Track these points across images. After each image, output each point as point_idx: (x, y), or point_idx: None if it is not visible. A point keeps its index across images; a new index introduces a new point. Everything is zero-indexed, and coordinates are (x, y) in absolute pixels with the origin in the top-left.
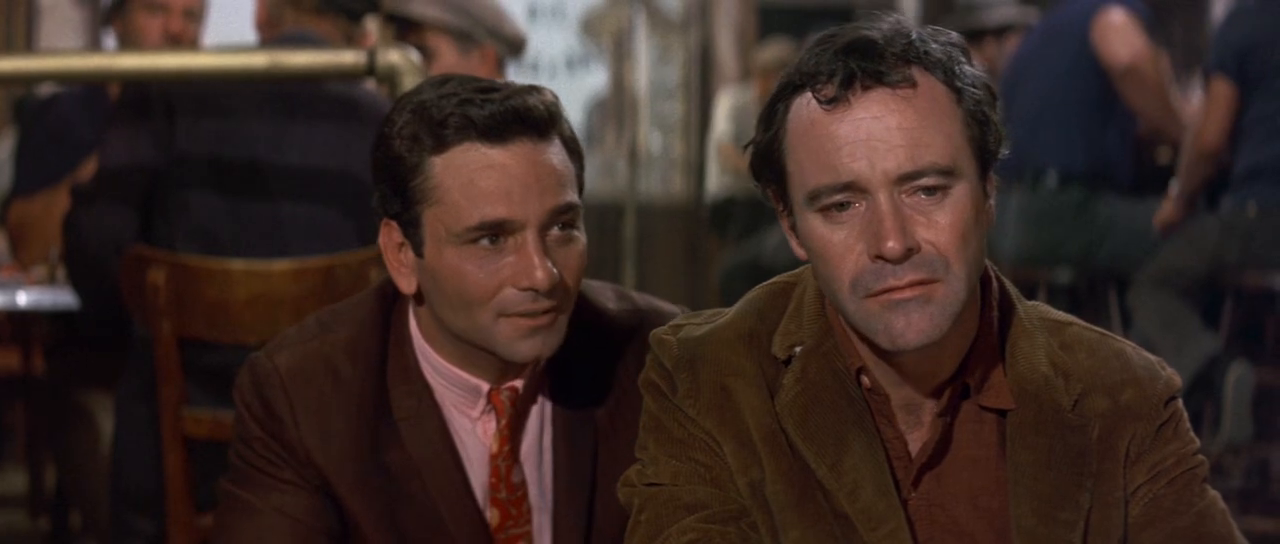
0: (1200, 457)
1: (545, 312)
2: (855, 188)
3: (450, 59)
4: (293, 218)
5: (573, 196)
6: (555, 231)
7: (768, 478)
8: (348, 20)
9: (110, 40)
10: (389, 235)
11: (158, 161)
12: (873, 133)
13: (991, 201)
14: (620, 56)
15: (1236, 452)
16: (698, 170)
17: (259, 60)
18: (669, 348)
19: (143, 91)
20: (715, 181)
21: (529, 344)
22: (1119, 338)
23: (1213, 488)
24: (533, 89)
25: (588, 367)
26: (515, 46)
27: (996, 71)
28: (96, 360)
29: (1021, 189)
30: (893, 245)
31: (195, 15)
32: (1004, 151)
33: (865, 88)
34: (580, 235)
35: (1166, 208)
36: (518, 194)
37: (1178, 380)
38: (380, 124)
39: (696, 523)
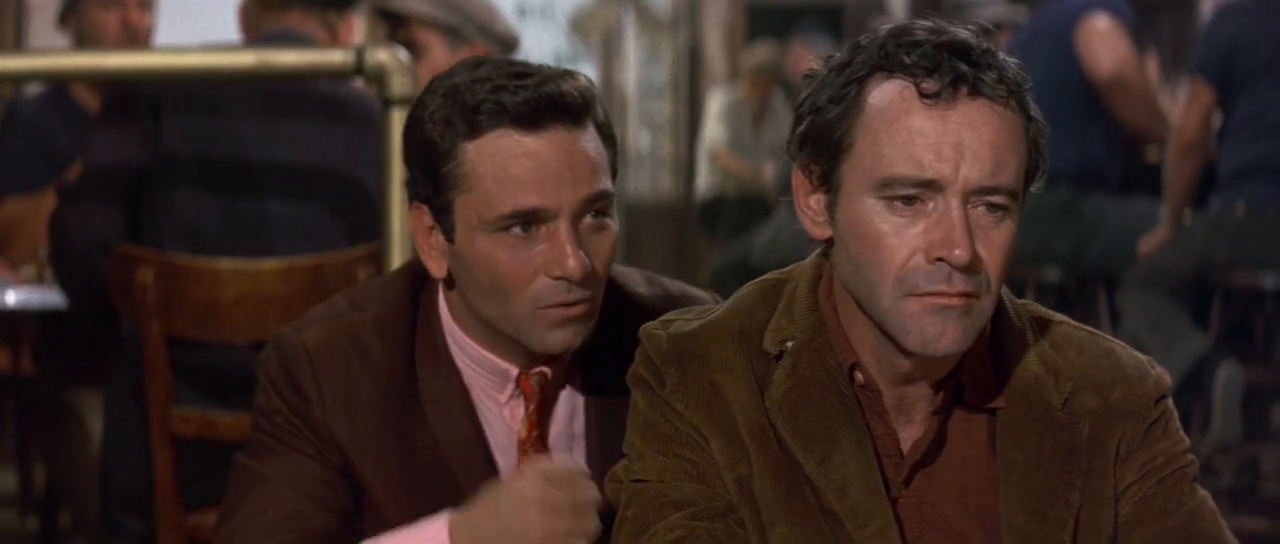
0: (1190, 456)
1: (578, 302)
2: (934, 187)
3: (440, 55)
4: (280, 216)
5: (606, 184)
6: (588, 220)
7: (756, 474)
8: (325, 12)
9: (63, 41)
10: (419, 219)
11: (144, 160)
12: (966, 140)
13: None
14: (609, 55)
15: (1226, 451)
16: (687, 169)
17: (247, 59)
18: (658, 343)
19: (129, 91)
20: (704, 180)
21: (560, 335)
22: (1108, 337)
23: (1203, 487)
24: (567, 74)
25: (619, 351)
26: (507, 45)
27: None
28: (85, 359)
29: None
30: (961, 254)
31: (147, 5)
32: (1037, 186)
33: (971, 94)
34: (612, 223)
35: (1158, 232)
36: (551, 182)
37: (1168, 379)
38: (371, 119)
39: (682, 520)
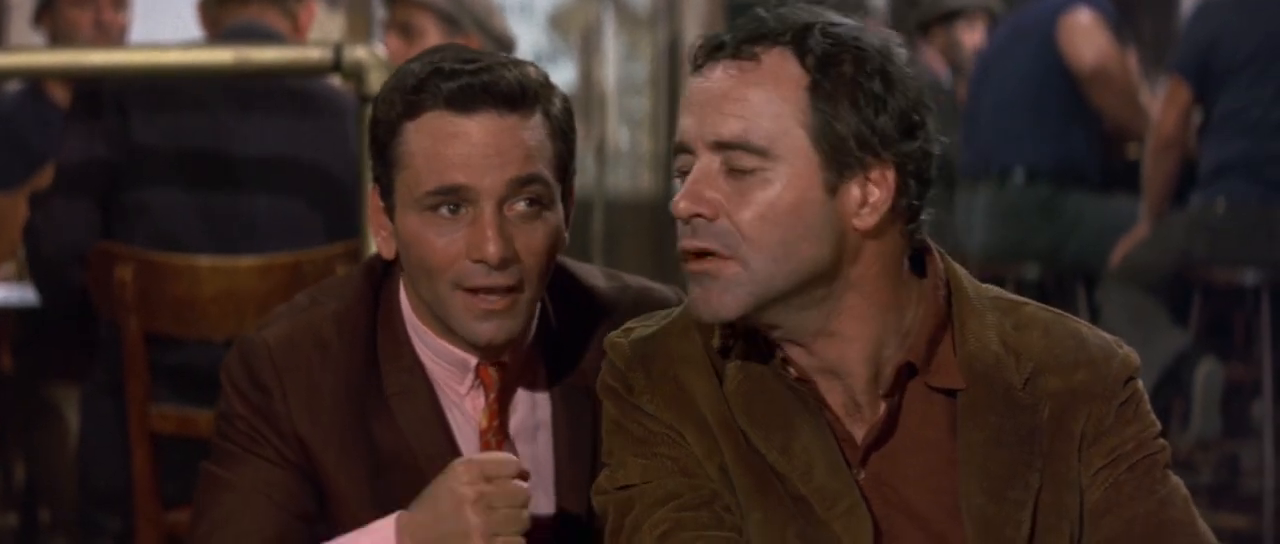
0: (1161, 441)
1: (503, 289)
2: (684, 149)
3: (433, 41)
4: (251, 212)
5: (540, 170)
6: (520, 207)
7: (728, 463)
8: (285, 0)
9: (39, 39)
10: (374, 199)
11: (114, 157)
12: (703, 98)
13: (869, 203)
14: (588, 52)
15: (1206, 447)
16: (666, 166)
17: (226, 57)
18: (620, 350)
19: (94, 89)
20: None
21: (485, 327)
22: (1076, 319)
23: (1184, 485)
24: (515, 64)
25: (581, 342)
26: (502, 43)
27: (957, 58)
28: (64, 356)
29: (989, 186)
30: (685, 205)
31: (121, 3)
32: (924, 143)
33: (711, 58)
34: (552, 216)
35: (1136, 230)
36: (478, 163)
37: (1135, 358)
38: (341, 114)
39: (669, 513)
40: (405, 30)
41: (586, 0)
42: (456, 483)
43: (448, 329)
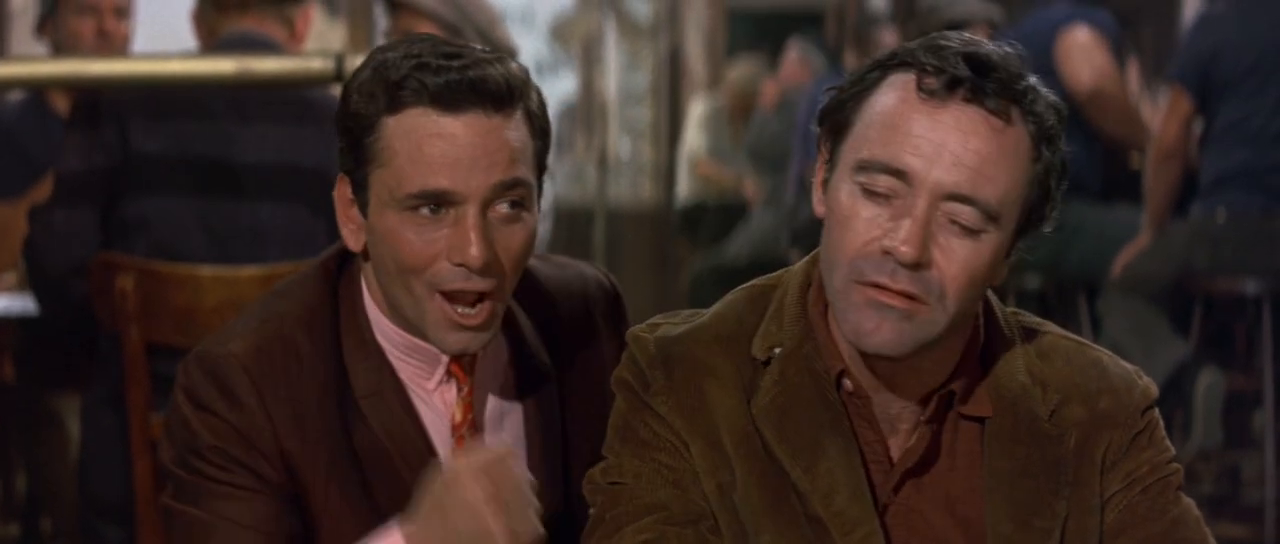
0: (1175, 465)
1: (479, 294)
2: (905, 179)
3: None
4: (252, 221)
5: (524, 173)
6: (501, 209)
7: (739, 481)
8: (281, 7)
9: (42, 49)
10: (342, 190)
11: (113, 167)
12: (948, 141)
13: (1010, 261)
14: (589, 62)
15: (1207, 458)
16: (667, 176)
17: (228, 67)
18: (645, 346)
19: (93, 99)
20: (685, 187)
21: (457, 338)
22: (1096, 346)
23: (1196, 506)
24: (499, 59)
25: (536, 324)
26: None
27: None
28: (66, 366)
29: None
30: (907, 250)
31: (124, 13)
32: (1046, 228)
33: (965, 99)
34: (530, 217)
35: (1137, 241)
36: (464, 166)
37: (1154, 390)
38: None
39: (654, 523)
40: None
41: (588, 10)
42: (465, 491)
43: (416, 325)
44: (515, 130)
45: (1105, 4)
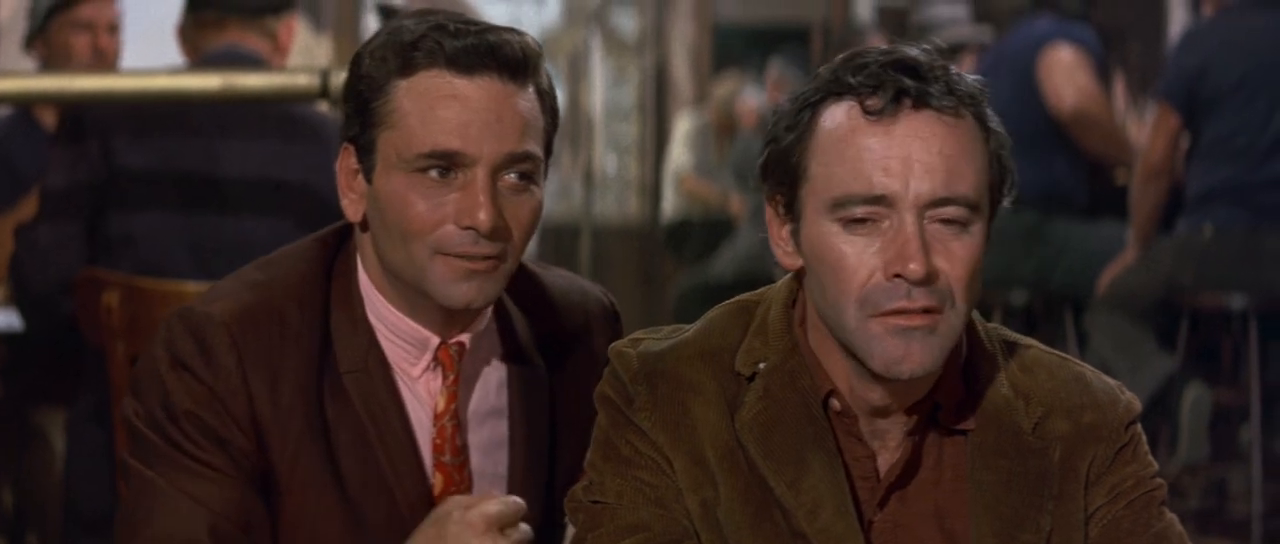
0: (1159, 480)
1: (485, 257)
2: (885, 203)
3: None
4: (236, 236)
5: (534, 147)
6: (510, 178)
7: (723, 497)
8: (262, 20)
9: (30, 64)
10: (345, 160)
11: (98, 183)
12: (914, 152)
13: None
14: (575, 78)
15: (1193, 472)
16: (653, 192)
17: (213, 83)
18: (628, 361)
19: (78, 114)
20: (670, 204)
21: (463, 288)
22: (1078, 361)
23: (1170, 510)
24: (514, 31)
25: (531, 325)
26: None
27: None
28: (51, 381)
29: None
30: (915, 267)
31: (116, 29)
32: (1007, 202)
33: (915, 107)
34: (537, 191)
35: (1122, 257)
36: (476, 129)
37: (1138, 405)
38: (320, 134)
39: (635, 543)
40: None
41: (574, 26)
42: (472, 536)
43: (412, 304)
44: (527, 102)
45: (1090, 20)
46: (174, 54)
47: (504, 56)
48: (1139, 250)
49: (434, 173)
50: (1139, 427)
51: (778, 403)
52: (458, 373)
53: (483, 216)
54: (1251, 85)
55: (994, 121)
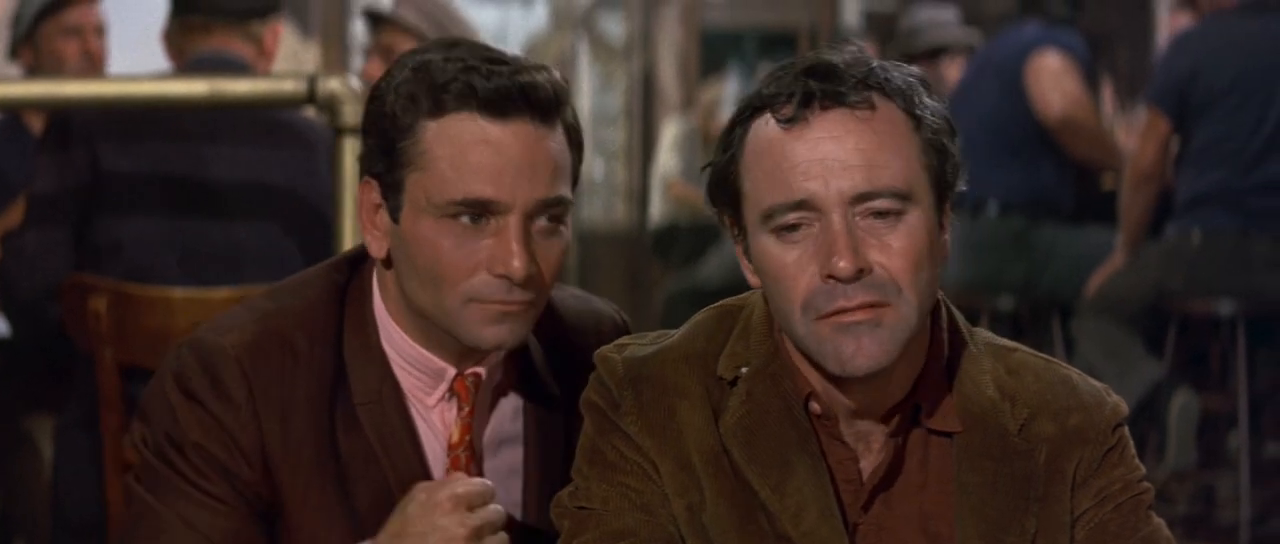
0: (1146, 484)
1: (517, 302)
2: (809, 207)
3: None
4: (223, 242)
5: (565, 191)
6: (541, 223)
7: (708, 501)
8: (247, 25)
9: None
10: (367, 194)
11: (85, 188)
12: (829, 152)
13: (947, 235)
14: None
15: (1182, 478)
16: (640, 197)
17: (200, 89)
18: (613, 367)
19: (64, 120)
20: (658, 209)
21: (494, 330)
22: (1065, 364)
23: (1158, 515)
24: (542, 68)
25: (546, 351)
26: None
27: (940, 95)
28: (38, 387)
29: (962, 218)
30: (844, 265)
31: (102, 32)
32: (961, 185)
33: (824, 108)
34: (566, 231)
35: (1110, 262)
36: (509, 176)
37: (1124, 407)
38: (308, 140)
39: None
40: (388, 55)
41: (561, 31)
42: (443, 518)
43: (429, 336)
44: (557, 143)
45: (1077, 25)
46: (161, 59)
47: (536, 99)
48: (1127, 255)
49: (466, 219)
50: (1126, 429)
51: (761, 407)
52: (473, 405)
53: (517, 265)
54: (1241, 90)
55: (927, 110)
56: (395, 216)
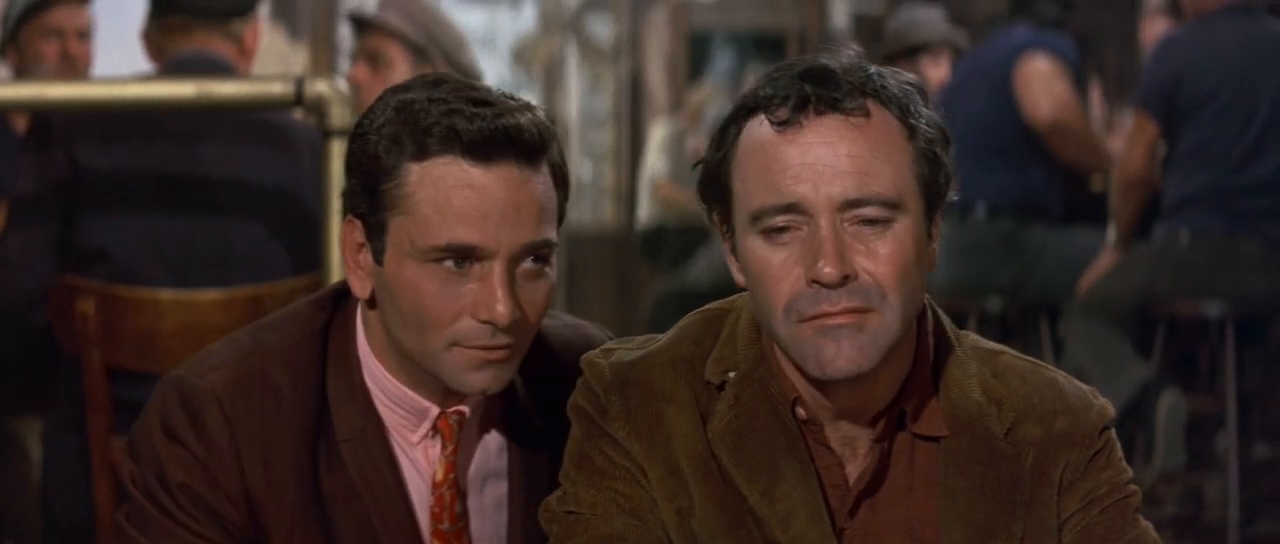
0: (1133, 486)
1: (501, 347)
2: (798, 210)
3: (402, 71)
4: (209, 244)
5: (551, 234)
6: (526, 265)
7: (697, 505)
8: (227, 24)
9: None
10: (350, 234)
11: (67, 190)
12: (821, 157)
13: (934, 245)
14: (551, 85)
15: (1170, 480)
16: (628, 199)
17: (186, 90)
18: (601, 371)
19: (45, 122)
20: (646, 211)
21: (479, 376)
22: (1051, 367)
23: (1146, 517)
24: (528, 108)
25: (533, 382)
26: (469, 77)
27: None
28: (26, 390)
29: (951, 221)
30: (830, 270)
31: (86, 35)
32: (952, 195)
33: (819, 112)
34: (551, 272)
35: (1098, 264)
36: (494, 221)
37: (1111, 410)
38: (295, 143)
39: None
40: (374, 59)
41: (549, 34)
42: None
43: (412, 375)
44: (542, 184)
45: (1066, 27)
46: (146, 61)
47: (521, 142)
48: (1117, 257)
49: (450, 263)
50: (1113, 432)
51: (748, 412)
52: (457, 443)
53: (501, 310)
54: (1228, 91)
55: (922, 119)
56: (378, 259)
